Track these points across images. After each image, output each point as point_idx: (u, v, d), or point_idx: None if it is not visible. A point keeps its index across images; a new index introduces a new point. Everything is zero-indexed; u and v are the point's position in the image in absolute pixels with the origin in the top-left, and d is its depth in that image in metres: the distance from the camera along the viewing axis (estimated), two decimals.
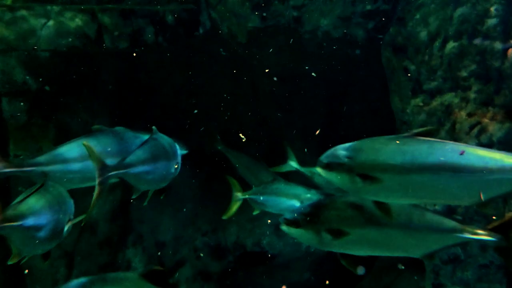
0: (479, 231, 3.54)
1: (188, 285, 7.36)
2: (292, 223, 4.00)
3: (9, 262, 3.80)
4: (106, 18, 6.24)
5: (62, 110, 6.53)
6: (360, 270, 4.07)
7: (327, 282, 7.08)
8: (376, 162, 3.54)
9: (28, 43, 6.09)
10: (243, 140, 5.67)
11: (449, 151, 3.38)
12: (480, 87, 5.18)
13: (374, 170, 3.52)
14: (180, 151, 4.64)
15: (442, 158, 3.35)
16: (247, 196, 5.65)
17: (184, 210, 7.57)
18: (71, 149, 4.50)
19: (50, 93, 6.34)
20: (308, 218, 3.94)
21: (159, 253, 7.42)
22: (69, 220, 4.08)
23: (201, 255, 7.44)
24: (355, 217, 3.84)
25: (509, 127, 5.00)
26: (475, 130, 5.11)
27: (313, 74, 6.50)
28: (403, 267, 6.21)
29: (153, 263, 7.29)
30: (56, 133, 6.45)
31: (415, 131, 3.60)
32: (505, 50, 5.08)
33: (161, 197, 4.77)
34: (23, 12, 6.08)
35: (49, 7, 6.12)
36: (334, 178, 3.76)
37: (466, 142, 5.08)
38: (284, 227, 4.10)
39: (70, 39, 6.18)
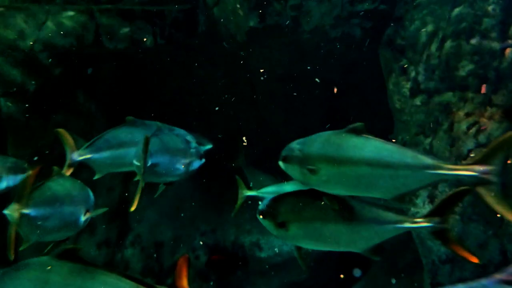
0: (418, 220, 3.65)
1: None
2: (260, 214, 4.23)
3: (21, 249, 4.12)
4: (104, 18, 6.24)
5: (60, 110, 6.53)
6: (357, 272, 4.18)
7: (324, 282, 7.09)
8: (316, 155, 3.80)
9: (26, 44, 6.09)
10: (244, 144, 5.67)
11: (373, 147, 3.63)
12: (478, 86, 5.19)
13: (314, 162, 3.78)
14: (197, 147, 4.73)
15: (363, 153, 3.61)
16: (253, 194, 5.68)
17: (183, 210, 7.58)
18: (119, 136, 4.82)
19: (48, 93, 6.34)
20: (269, 210, 4.16)
21: (155, 255, 7.42)
22: (88, 211, 4.31)
23: (200, 255, 7.45)
24: (301, 211, 4.02)
25: (507, 126, 5.01)
26: (473, 130, 5.12)
27: (316, 79, 6.52)
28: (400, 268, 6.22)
29: (151, 263, 7.29)
30: (54, 134, 6.44)
31: (350, 126, 3.78)
32: (503, 50, 5.09)
33: (156, 195, 4.99)
34: (21, 12, 6.08)
35: (47, 7, 6.11)
36: (289, 170, 4.03)
37: (464, 142, 5.09)
38: (258, 217, 4.31)
39: (68, 40, 6.17)
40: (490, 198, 3.42)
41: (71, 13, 6.15)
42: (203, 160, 4.73)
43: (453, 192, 3.56)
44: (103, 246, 7.15)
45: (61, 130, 4.69)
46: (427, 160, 3.48)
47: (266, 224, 4.21)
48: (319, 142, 3.88)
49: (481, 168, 3.40)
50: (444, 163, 3.45)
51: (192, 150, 4.69)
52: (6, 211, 3.89)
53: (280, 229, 4.09)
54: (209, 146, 5.31)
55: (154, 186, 7.43)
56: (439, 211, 3.60)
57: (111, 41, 6.31)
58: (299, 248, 4.35)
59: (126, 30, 6.27)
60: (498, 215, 3.53)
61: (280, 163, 4.06)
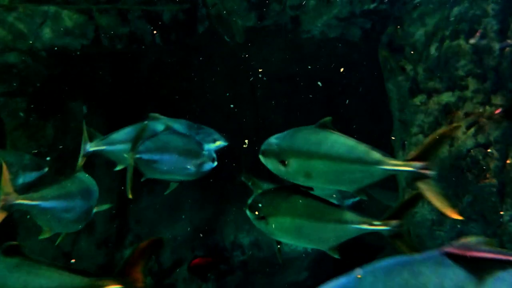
0: (376, 222, 3.75)
1: (185, 285, 7.36)
2: (248, 207, 4.45)
3: (40, 237, 4.57)
4: (103, 18, 6.23)
5: (59, 110, 6.53)
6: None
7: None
8: (287, 149, 4.06)
9: (25, 43, 6.09)
10: (245, 146, 5.69)
11: (333, 142, 3.85)
12: (477, 86, 5.20)
13: (286, 156, 4.02)
14: (210, 149, 4.86)
15: (325, 148, 3.82)
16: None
17: (182, 210, 7.57)
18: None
19: (47, 93, 6.34)
20: (253, 204, 4.38)
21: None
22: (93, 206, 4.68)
23: (199, 255, 7.45)
24: (279, 206, 4.19)
25: (506, 126, 5.02)
26: (472, 130, 5.12)
27: (318, 83, 6.53)
28: None
29: (150, 263, 7.29)
30: (54, 133, 6.45)
31: (320, 121, 3.99)
32: (502, 50, 5.09)
33: (166, 192, 5.20)
34: (20, 12, 6.07)
35: (46, 7, 6.11)
36: (267, 163, 4.25)
37: (463, 142, 5.09)
38: (246, 210, 4.52)
39: (67, 39, 6.17)
40: (428, 192, 3.58)
41: (70, 13, 6.14)
42: (215, 163, 4.88)
43: (409, 197, 3.72)
44: (102, 246, 7.15)
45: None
46: (376, 155, 3.65)
47: (251, 217, 4.38)
48: (291, 136, 4.12)
49: (418, 164, 3.56)
50: (390, 159, 3.62)
51: (204, 152, 4.84)
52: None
53: (261, 222, 4.25)
54: (224, 144, 5.42)
55: (153, 186, 7.45)
56: (397, 215, 3.69)
57: (110, 41, 6.30)
58: (278, 242, 4.53)
59: (125, 30, 6.27)
60: (502, 213, 3.59)
61: (260, 156, 4.28)
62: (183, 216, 7.58)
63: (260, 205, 4.29)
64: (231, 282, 7.38)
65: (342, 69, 6.50)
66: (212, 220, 7.54)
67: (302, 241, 4.36)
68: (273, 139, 4.27)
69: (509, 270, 1.71)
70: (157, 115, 5.29)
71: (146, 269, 2.81)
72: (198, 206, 7.64)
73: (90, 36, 6.22)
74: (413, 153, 3.69)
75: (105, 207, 4.94)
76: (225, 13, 6.34)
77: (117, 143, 4.97)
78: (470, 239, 1.87)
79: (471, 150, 5.05)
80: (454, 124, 3.47)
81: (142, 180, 4.89)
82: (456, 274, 1.79)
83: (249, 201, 4.49)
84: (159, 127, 5.03)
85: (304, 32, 6.29)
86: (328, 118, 3.97)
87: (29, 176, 5.09)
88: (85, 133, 4.95)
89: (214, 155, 4.92)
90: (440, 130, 3.51)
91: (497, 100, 5.10)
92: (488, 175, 4.92)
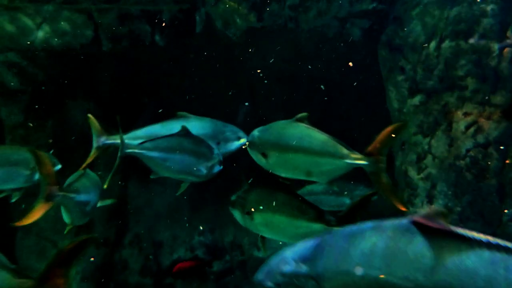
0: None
1: (185, 285, 7.36)
2: (230, 204, 4.66)
3: (66, 232, 4.90)
4: (103, 18, 6.23)
5: (58, 110, 6.52)
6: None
7: None
8: (266, 141, 4.30)
9: (24, 43, 6.08)
10: (244, 147, 5.72)
11: (307, 137, 4.05)
12: (476, 86, 5.20)
13: (266, 148, 4.25)
14: (219, 153, 5.13)
15: (298, 141, 4.03)
16: None
17: (181, 210, 7.57)
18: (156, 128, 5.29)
19: (46, 93, 6.33)
20: (238, 200, 4.58)
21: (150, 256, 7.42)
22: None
23: (198, 255, 7.44)
24: (263, 201, 4.33)
25: (505, 126, 5.02)
26: (472, 130, 5.12)
27: (322, 87, 6.55)
28: None
29: (150, 263, 7.28)
30: (53, 133, 6.44)
31: (297, 116, 4.24)
32: (501, 50, 5.09)
33: (178, 193, 5.37)
34: (19, 12, 6.07)
35: (45, 7, 6.10)
36: (253, 154, 4.48)
37: (463, 142, 5.09)
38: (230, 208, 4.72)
39: (66, 39, 6.16)
40: (379, 184, 3.85)
41: (69, 13, 6.13)
42: (221, 167, 5.02)
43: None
44: (101, 246, 7.15)
45: (90, 116, 5.13)
46: (342, 150, 3.85)
47: (235, 213, 4.56)
48: (270, 130, 4.35)
49: (371, 158, 3.80)
50: (353, 153, 3.83)
51: (214, 156, 4.98)
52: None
53: (247, 218, 4.41)
54: (244, 141, 5.51)
55: (152, 186, 7.44)
56: (349, 217, 3.81)
57: (110, 41, 6.30)
58: (263, 237, 4.66)
59: (124, 29, 6.26)
60: (505, 211, 3.66)
61: (248, 149, 4.50)
62: (182, 216, 7.58)
63: (244, 201, 4.44)
64: (231, 282, 7.37)
65: (342, 69, 6.50)
66: (211, 220, 7.53)
67: (285, 237, 4.43)
68: (256, 132, 4.48)
69: (467, 248, 1.78)
70: (184, 113, 5.47)
71: (71, 272, 2.64)
72: (197, 206, 7.63)
73: (90, 36, 6.22)
74: (369, 148, 3.88)
75: (108, 202, 5.23)
76: (224, 14, 6.33)
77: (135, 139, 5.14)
78: (437, 210, 1.94)
79: (471, 150, 5.06)
80: (402, 122, 3.69)
81: (151, 177, 5.03)
82: (419, 242, 1.86)
83: (233, 198, 4.64)
84: (187, 124, 5.14)
85: (304, 32, 6.29)
86: (304, 114, 4.22)
87: None
88: (96, 124, 5.11)
89: (221, 159, 5.05)
90: (389, 127, 3.73)
91: (496, 100, 5.10)
92: (487, 175, 4.93)
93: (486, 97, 5.13)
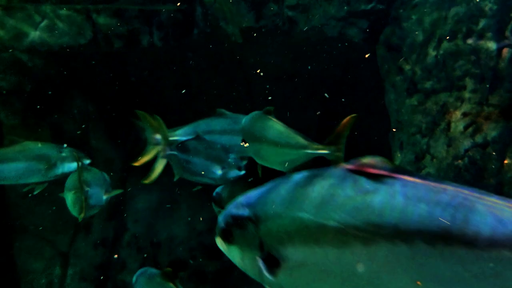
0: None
1: (183, 285, 7.35)
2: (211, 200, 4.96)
3: (80, 220, 4.96)
4: (101, 18, 6.22)
5: (56, 110, 6.51)
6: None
7: None
8: (244, 131, 4.51)
9: (22, 43, 6.07)
10: (245, 146, 5.76)
11: (270, 128, 4.24)
12: (474, 86, 5.20)
13: (246, 138, 4.49)
14: (237, 159, 5.37)
15: (263, 133, 4.24)
16: None
17: (179, 210, 7.56)
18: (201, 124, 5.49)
19: (44, 93, 6.32)
20: (215, 197, 4.89)
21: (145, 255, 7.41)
22: (106, 191, 5.16)
23: (196, 255, 7.44)
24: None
25: (504, 126, 5.02)
26: (470, 130, 5.13)
27: (325, 95, 6.58)
28: None
29: (148, 263, 7.28)
30: (51, 134, 6.43)
31: (265, 108, 4.42)
32: (499, 50, 5.09)
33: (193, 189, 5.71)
34: (17, 12, 6.06)
35: (43, 7, 6.10)
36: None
37: (461, 142, 5.10)
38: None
39: (64, 39, 6.15)
40: None
41: (67, 12, 6.13)
42: (243, 172, 5.20)
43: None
44: (99, 246, 7.14)
45: (142, 112, 5.23)
46: (301, 141, 3.99)
47: (215, 209, 4.75)
48: (247, 119, 4.56)
49: (332, 147, 3.89)
50: (312, 144, 3.97)
51: (230, 160, 5.22)
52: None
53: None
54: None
55: (151, 186, 7.44)
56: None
57: (108, 41, 6.29)
58: None
59: (122, 30, 6.26)
60: None
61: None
62: (180, 216, 7.58)
63: (221, 197, 4.67)
64: (230, 282, 7.38)
65: (341, 69, 6.50)
66: (209, 220, 7.53)
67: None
68: (242, 121, 4.70)
69: (396, 188, 1.88)
70: (223, 110, 5.58)
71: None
72: (196, 206, 7.63)
73: (88, 36, 6.21)
74: (328, 139, 3.99)
75: (116, 192, 5.42)
76: (223, 14, 6.33)
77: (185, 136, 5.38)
78: (371, 158, 2.02)
79: (469, 150, 5.06)
80: (354, 115, 3.85)
81: (174, 180, 5.34)
82: (357, 182, 1.96)
83: (214, 194, 4.85)
84: (223, 122, 5.38)
85: (302, 32, 6.29)
86: (271, 107, 4.39)
87: (68, 167, 5.49)
88: (151, 121, 5.25)
89: (241, 164, 5.26)
90: (345, 120, 3.85)
91: (495, 100, 5.11)
92: (485, 176, 4.93)
93: (485, 97, 5.13)
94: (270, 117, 4.36)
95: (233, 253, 2.36)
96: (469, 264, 1.73)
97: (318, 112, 7.41)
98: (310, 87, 7.02)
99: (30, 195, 6.22)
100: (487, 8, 5.18)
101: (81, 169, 4.74)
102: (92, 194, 4.92)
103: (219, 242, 2.43)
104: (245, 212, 2.24)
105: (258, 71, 6.89)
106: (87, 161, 5.61)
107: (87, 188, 4.84)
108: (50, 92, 6.35)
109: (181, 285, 4.80)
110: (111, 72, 7.04)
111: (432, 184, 1.88)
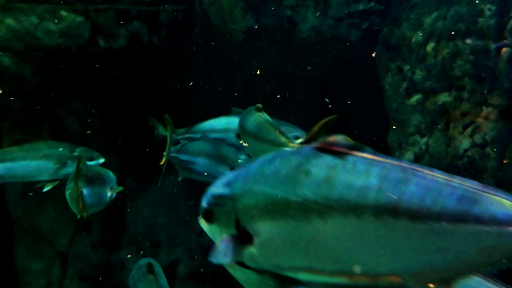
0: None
1: (182, 285, 7.35)
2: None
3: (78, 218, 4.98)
4: (100, 18, 6.22)
5: (56, 109, 6.51)
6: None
7: None
8: (241, 128, 4.64)
9: (22, 43, 6.06)
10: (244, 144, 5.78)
11: (256, 124, 4.39)
12: (473, 86, 5.21)
13: (242, 134, 4.64)
14: (246, 159, 5.46)
15: (249, 128, 4.41)
16: None
17: (178, 210, 7.56)
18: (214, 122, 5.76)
19: (44, 92, 6.32)
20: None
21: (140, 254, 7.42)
22: (111, 188, 5.19)
23: (195, 256, 7.44)
24: None
25: (503, 126, 5.03)
26: (469, 130, 5.13)
27: (327, 100, 6.59)
28: None
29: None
30: (51, 132, 6.43)
31: (256, 105, 4.52)
32: (498, 50, 5.10)
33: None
34: (17, 12, 6.05)
35: (42, 7, 6.09)
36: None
37: (460, 142, 5.10)
38: None
39: (64, 39, 6.15)
40: None
41: (66, 13, 6.12)
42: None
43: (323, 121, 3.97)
44: (98, 246, 7.13)
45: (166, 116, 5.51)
46: (282, 139, 4.09)
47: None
48: (242, 115, 4.69)
49: (308, 146, 3.97)
50: (290, 142, 4.05)
51: (240, 161, 5.33)
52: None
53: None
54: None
55: (150, 186, 7.43)
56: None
57: (107, 41, 6.29)
58: None
59: (122, 30, 6.25)
60: None
61: None
62: (179, 216, 7.58)
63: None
64: (229, 282, 7.37)
65: (340, 69, 6.50)
66: None
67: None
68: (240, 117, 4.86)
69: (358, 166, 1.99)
70: (238, 109, 5.62)
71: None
72: (195, 206, 7.63)
73: (87, 36, 6.21)
74: (306, 137, 4.08)
75: (119, 189, 5.41)
76: (222, 14, 6.33)
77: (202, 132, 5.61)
78: (335, 137, 2.14)
79: (468, 150, 5.07)
80: (333, 116, 3.89)
81: (179, 179, 5.47)
82: (320, 159, 2.08)
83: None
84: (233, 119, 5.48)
85: (301, 32, 6.29)
86: (260, 105, 4.48)
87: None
88: (170, 121, 5.45)
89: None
90: (322, 121, 3.75)
91: (493, 100, 5.11)
92: (484, 176, 4.94)
93: (484, 97, 5.14)
94: (260, 113, 4.43)
95: (213, 232, 2.46)
96: (414, 237, 1.85)
97: (318, 112, 7.41)
98: (309, 87, 7.02)
99: (30, 193, 6.24)
100: (486, 8, 5.18)
101: (77, 168, 4.71)
102: (93, 192, 4.93)
103: (201, 222, 2.50)
104: (224, 190, 2.32)
105: (258, 71, 6.90)
106: (101, 160, 5.70)
107: (82, 188, 4.81)
108: (49, 93, 6.34)
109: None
110: (110, 73, 7.03)
111: (388, 161, 1.98)
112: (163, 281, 4.28)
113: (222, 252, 2.38)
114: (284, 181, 2.11)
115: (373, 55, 6.17)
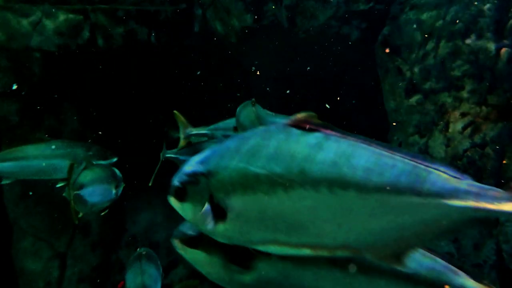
0: None
1: (183, 285, 7.34)
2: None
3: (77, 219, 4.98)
4: (99, 18, 6.22)
5: (53, 110, 6.50)
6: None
7: None
8: (236, 120, 4.69)
9: (20, 44, 6.06)
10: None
11: (248, 120, 4.52)
12: (473, 86, 5.20)
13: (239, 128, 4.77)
14: None
15: (243, 122, 4.53)
16: None
17: None
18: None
19: (41, 94, 6.31)
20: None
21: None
22: (117, 186, 5.24)
23: None
24: None
25: (502, 126, 5.02)
26: (469, 130, 5.13)
27: (327, 105, 6.58)
28: None
29: None
30: (48, 134, 6.42)
31: (251, 100, 4.59)
32: (498, 50, 5.10)
33: None
34: (15, 12, 6.05)
35: (41, 7, 6.09)
36: None
37: (460, 142, 5.10)
38: None
39: (62, 40, 6.14)
40: None
41: (65, 13, 6.12)
42: None
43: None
44: (98, 247, 7.12)
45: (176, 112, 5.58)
46: None
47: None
48: (238, 110, 4.73)
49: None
50: None
51: None
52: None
53: None
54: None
55: (149, 187, 7.43)
56: None
57: (106, 41, 6.28)
58: None
59: (120, 30, 6.25)
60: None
61: None
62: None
63: None
64: None
65: (339, 69, 6.50)
66: None
67: None
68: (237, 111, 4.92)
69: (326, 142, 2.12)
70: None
71: None
72: None
73: (85, 36, 6.20)
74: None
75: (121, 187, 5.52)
76: (221, 14, 6.33)
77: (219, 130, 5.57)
78: (304, 114, 2.30)
79: (468, 151, 5.06)
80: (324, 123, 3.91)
81: None
82: (288, 135, 2.20)
83: None
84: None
85: (300, 32, 6.28)
86: (252, 100, 4.56)
87: None
88: (182, 118, 5.55)
89: None
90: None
91: (493, 100, 5.11)
92: (484, 176, 4.93)
93: (483, 97, 5.13)
94: (253, 108, 4.53)
95: (186, 210, 2.50)
96: (363, 210, 1.98)
97: (318, 112, 7.41)
98: (308, 87, 7.02)
99: (30, 193, 6.25)
100: (485, 8, 5.18)
101: (71, 168, 4.74)
102: (94, 192, 4.96)
103: (172, 201, 2.52)
104: (199, 168, 2.38)
105: (257, 70, 6.89)
106: (114, 159, 5.78)
107: (84, 188, 4.85)
108: (48, 93, 6.33)
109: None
110: (109, 73, 7.03)
111: (351, 139, 2.13)
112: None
113: (203, 220, 2.42)
114: (253, 155, 2.21)
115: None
